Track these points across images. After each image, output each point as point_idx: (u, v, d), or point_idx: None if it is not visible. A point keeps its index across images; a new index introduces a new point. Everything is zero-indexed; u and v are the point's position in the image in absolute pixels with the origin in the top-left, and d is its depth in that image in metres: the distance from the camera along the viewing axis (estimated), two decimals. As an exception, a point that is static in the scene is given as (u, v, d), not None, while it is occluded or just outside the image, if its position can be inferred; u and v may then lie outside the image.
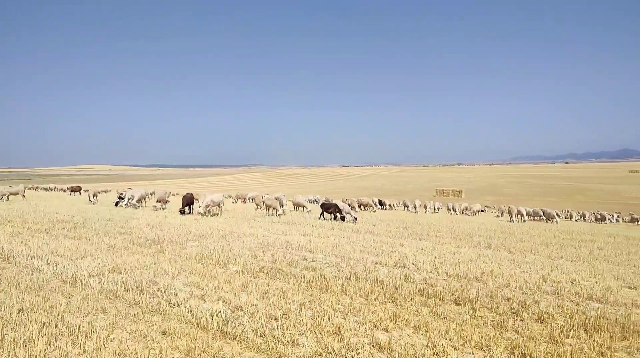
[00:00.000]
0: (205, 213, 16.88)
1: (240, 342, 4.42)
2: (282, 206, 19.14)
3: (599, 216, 31.68)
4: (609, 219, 30.61)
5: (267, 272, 7.36)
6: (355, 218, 16.90)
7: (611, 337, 4.92)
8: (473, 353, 4.32)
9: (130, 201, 20.43)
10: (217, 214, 17.55)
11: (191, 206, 18.07)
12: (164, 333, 4.52)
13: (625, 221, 32.70)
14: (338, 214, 17.42)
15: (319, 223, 16.15)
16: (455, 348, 4.41)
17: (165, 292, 5.88)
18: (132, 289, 5.96)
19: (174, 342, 4.30)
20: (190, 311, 5.15)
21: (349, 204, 23.09)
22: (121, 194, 23.51)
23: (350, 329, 4.76)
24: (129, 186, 55.91)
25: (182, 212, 17.29)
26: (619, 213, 37.52)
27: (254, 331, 4.64)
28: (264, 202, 20.14)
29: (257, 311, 5.22)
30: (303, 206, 21.80)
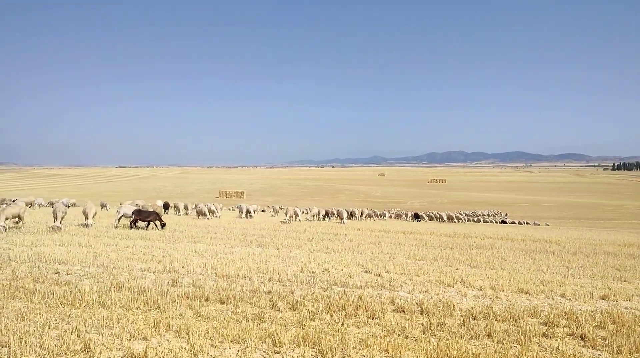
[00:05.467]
0: None
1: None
2: (60, 216, 15.00)
3: (361, 213, 37.95)
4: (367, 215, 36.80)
5: (4, 292, 6.19)
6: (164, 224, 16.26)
7: (346, 314, 6.00)
8: (230, 348, 4.64)
9: None
10: None
11: None
12: None
13: (372, 218, 40.21)
14: (158, 222, 16.05)
15: (80, 231, 14.13)
16: (214, 346, 4.65)
17: None
18: None
19: None
20: None
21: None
22: None
23: (102, 344, 4.45)
24: None
25: None
26: (371, 209, 46.12)
27: (-26, 367, 3.86)
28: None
29: (-19, 342, 4.32)
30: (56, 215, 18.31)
